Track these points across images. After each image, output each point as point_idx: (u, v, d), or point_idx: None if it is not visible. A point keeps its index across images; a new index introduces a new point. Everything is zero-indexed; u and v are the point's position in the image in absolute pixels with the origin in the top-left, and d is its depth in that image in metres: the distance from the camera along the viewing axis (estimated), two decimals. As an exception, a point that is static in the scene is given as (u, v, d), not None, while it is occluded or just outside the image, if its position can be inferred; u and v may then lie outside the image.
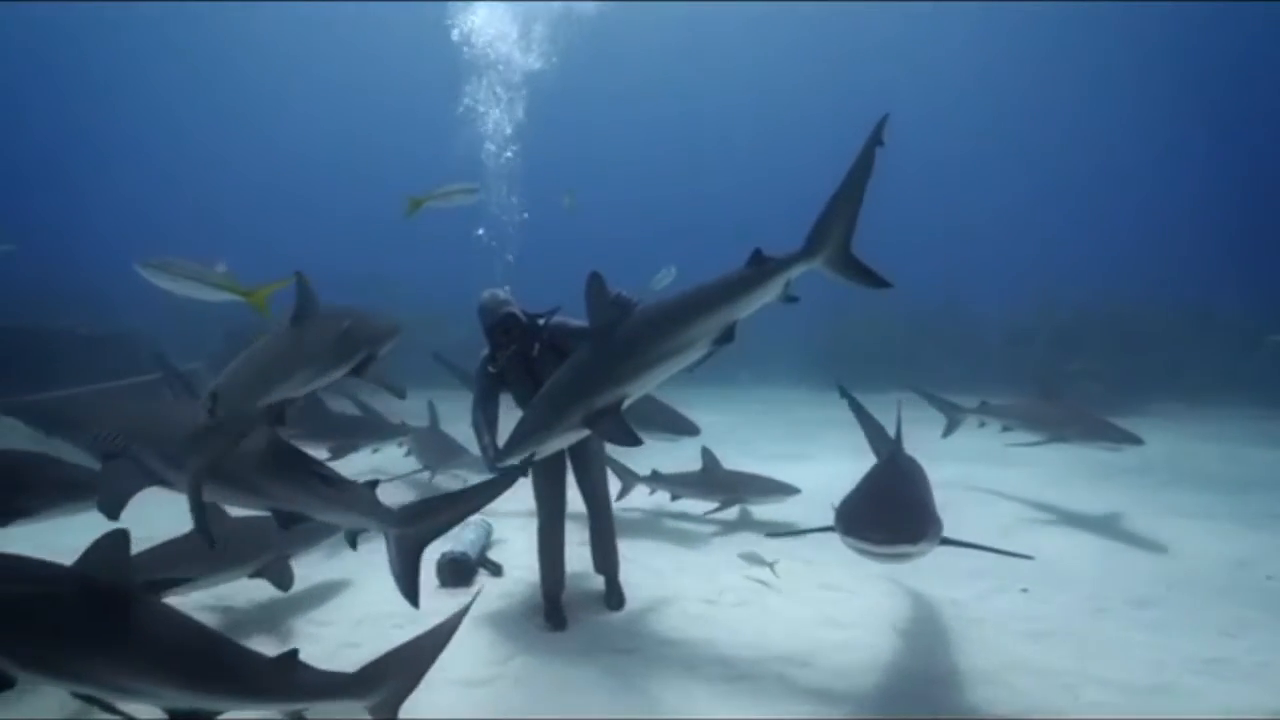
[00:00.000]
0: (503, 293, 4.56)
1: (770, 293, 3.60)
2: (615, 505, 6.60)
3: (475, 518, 6.02)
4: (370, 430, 7.91)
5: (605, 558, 4.97)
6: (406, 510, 3.72)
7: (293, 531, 4.22)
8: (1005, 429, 7.74)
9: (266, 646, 4.35)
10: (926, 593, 5.11)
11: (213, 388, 3.37)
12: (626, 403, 3.74)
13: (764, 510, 7.19)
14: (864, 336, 17.03)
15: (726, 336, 3.62)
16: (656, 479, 7.15)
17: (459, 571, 5.26)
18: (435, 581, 5.29)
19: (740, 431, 11.45)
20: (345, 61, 33.79)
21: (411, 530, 3.69)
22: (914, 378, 15.90)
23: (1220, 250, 19.64)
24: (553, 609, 4.68)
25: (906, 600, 5.01)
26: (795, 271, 3.57)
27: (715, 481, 7.02)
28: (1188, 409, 13.20)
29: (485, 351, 4.56)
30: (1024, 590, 5.14)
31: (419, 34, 27.72)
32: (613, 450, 6.83)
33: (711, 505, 6.94)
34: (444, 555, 5.29)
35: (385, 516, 3.66)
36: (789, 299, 3.68)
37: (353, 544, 4.02)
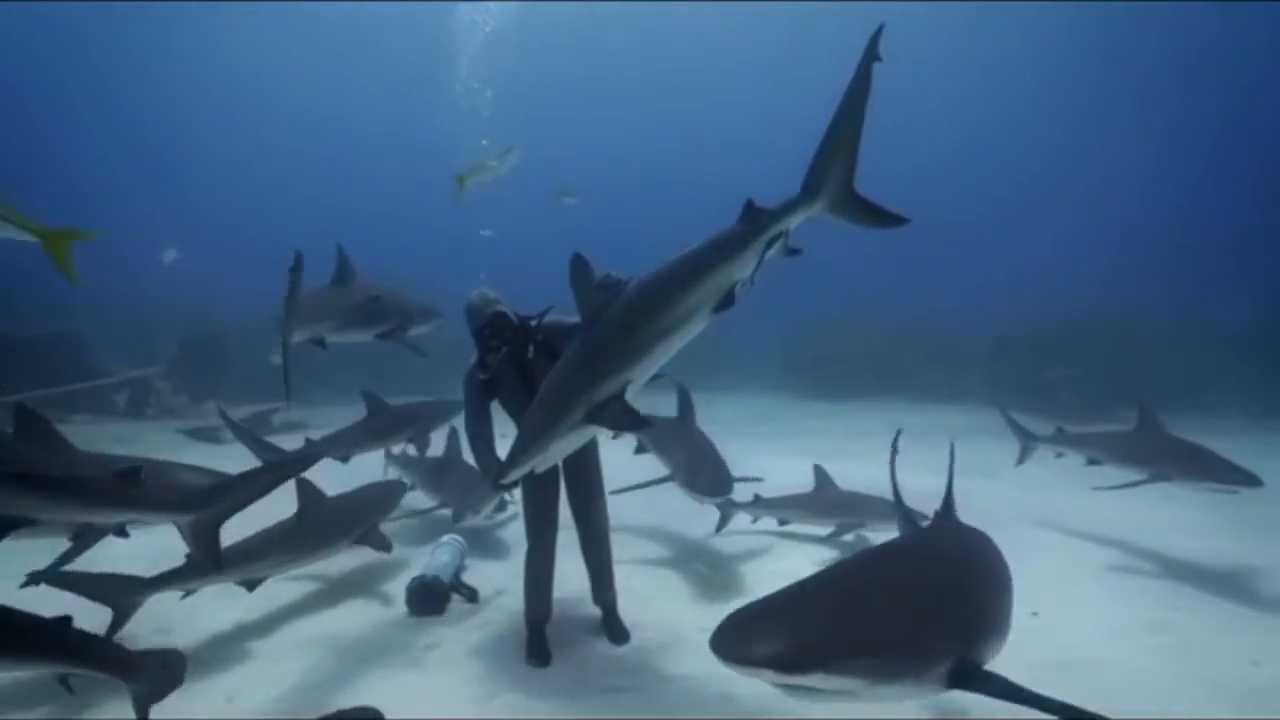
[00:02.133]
0: (491, 292, 4.17)
1: (770, 248, 3.30)
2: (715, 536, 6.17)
3: (446, 536, 5.60)
4: (435, 412, 7.33)
5: (604, 587, 4.53)
6: (195, 495, 3.68)
7: (378, 500, 5.45)
8: (1091, 462, 6.66)
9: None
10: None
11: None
12: (631, 389, 3.40)
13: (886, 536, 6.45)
14: (846, 342, 16.86)
15: (727, 301, 3.32)
16: (760, 505, 6.35)
17: (430, 598, 4.79)
18: (404, 610, 4.84)
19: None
20: (337, 59, 32.77)
21: (205, 515, 3.62)
22: (895, 384, 16.01)
23: (1205, 257, 19.72)
24: (536, 640, 4.26)
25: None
26: (794, 220, 3.26)
27: (831, 503, 6.21)
28: (1169, 418, 13.15)
29: (474, 359, 4.15)
30: (1034, 614, 4.84)
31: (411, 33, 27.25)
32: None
33: (825, 530, 6.24)
34: (414, 580, 4.84)
35: (174, 505, 3.59)
36: (790, 252, 3.37)
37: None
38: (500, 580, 5.41)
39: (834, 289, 19.62)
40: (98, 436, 8.99)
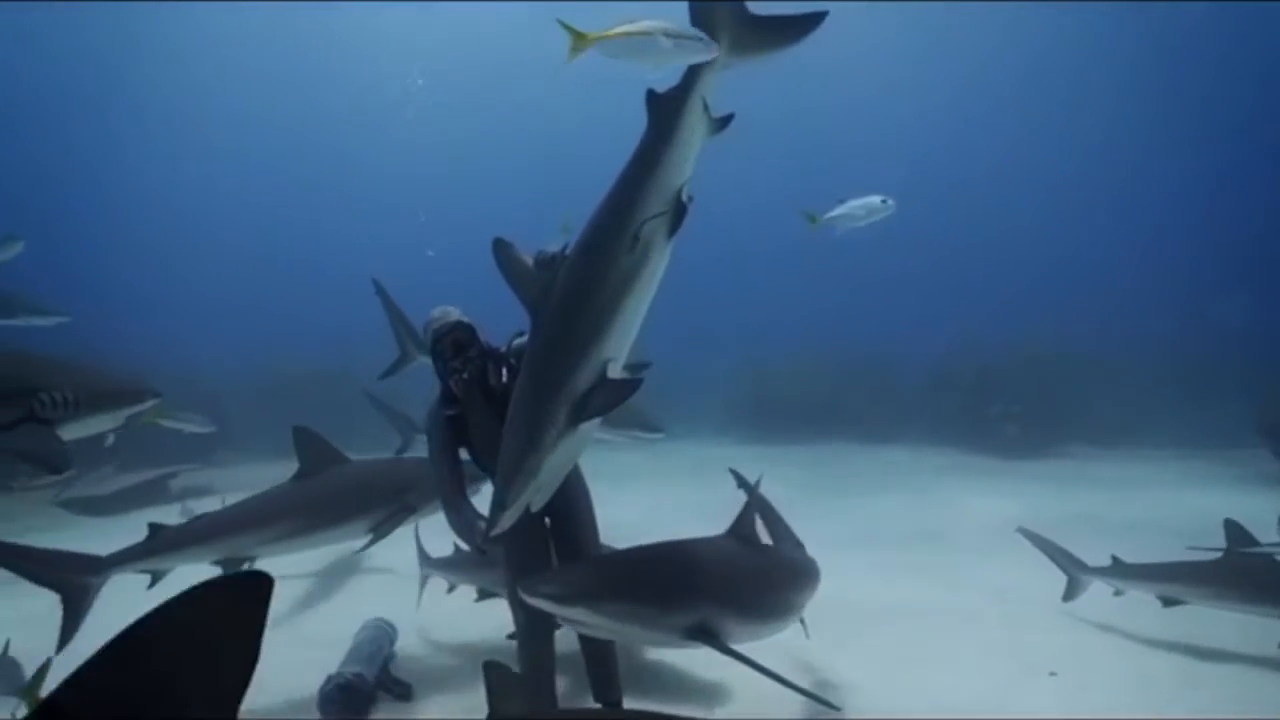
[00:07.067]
0: (455, 308, 3.46)
1: (697, 131, 2.91)
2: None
3: (370, 619, 4.66)
4: None
5: (605, 681, 3.54)
6: None
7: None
8: None
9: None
10: (940, 680, 4.24)
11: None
12: (613, 368, 2.84)
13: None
14: (788, 384, 16.59)
15: (680, 215, 2.89)
16: (1124, 572, 4.86)
17: (352, 701, 3.86)
18: (317, 717, 3.91)
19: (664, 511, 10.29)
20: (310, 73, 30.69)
21: None
22: (838, 426, 15.82)
23: (1146, 290, 19.98)
24: None
25: (923, 691, 4.11)
26: (707, 85, 2.90)
27: (1252, 579, 4.24)
28: (1103, 451, 13.26)
29: (436, 393, 3.46)
30: (1053, 674, 4.33)
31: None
32: (1040, 528, 5.41)
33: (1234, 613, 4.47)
34: (329, 680, 3.89)
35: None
36: (721, 124, 2.98)
37: None
38: (439, 667, 4.55)
39: (773, 332, 19.41)
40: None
